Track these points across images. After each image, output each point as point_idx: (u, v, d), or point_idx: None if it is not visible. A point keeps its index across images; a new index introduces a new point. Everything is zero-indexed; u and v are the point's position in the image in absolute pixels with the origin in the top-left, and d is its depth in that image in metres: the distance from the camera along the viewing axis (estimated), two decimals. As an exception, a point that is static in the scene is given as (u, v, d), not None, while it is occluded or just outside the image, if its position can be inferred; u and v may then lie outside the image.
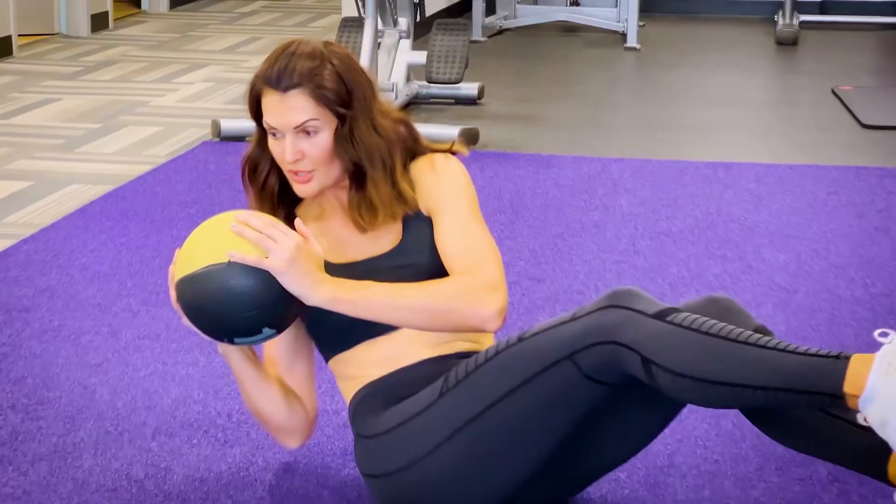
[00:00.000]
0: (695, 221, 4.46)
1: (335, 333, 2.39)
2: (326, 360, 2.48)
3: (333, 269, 2.32)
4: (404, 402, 2.31)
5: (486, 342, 2.43)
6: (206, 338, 2.32)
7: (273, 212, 2.41)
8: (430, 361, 2.36)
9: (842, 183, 4.97)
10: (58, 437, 2.81)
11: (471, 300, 2.25)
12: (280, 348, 2.49)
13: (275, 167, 2.41)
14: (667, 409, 2.34)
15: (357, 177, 2.36)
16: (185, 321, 2.31)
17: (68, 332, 3.42)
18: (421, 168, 2.42)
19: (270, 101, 2.31)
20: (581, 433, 2.29)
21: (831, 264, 4.03)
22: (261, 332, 2.26)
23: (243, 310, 2.22)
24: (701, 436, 2.82)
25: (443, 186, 2.39)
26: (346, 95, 2.31)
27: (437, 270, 2.35)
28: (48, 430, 2.84)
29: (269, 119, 2.32)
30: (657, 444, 2.69)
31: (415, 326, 2.30)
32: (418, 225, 2.38)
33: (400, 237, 2.38)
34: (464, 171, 2.43)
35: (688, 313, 2.17)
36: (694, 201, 4.71)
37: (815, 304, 3.68)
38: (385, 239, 2.39)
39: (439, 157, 2.43)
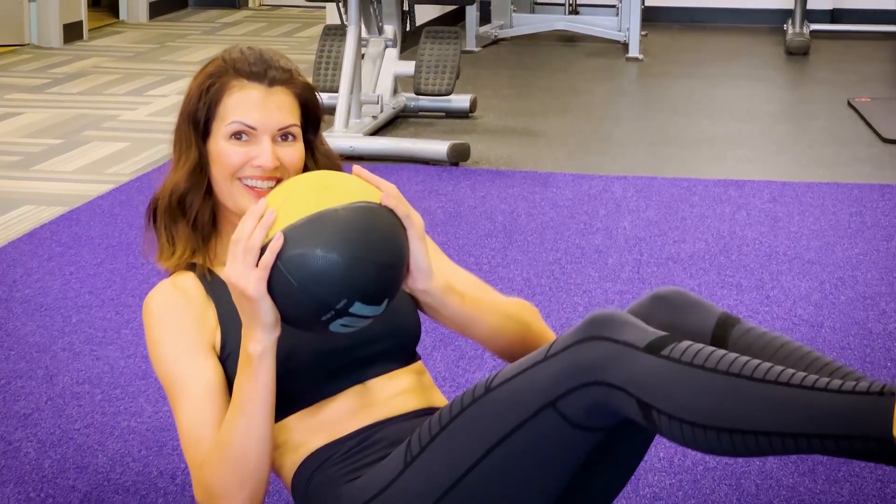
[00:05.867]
0: (706, 245, 4.26)
1: (290, 393, 2.09)
2: None
3: None
4: (364, 478, 2.03)
5: (437, 400, 2.20)
6: (316, 300, 1.89)
7: (196, 252, 2.16)
8: (378, 425, 2.10)
9: (865, 202, 4.80)
10: (-32, 506, 2.60)
11: (537, 315, 2.25)
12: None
13: (207, 197, 2.14)
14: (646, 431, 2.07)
15: None
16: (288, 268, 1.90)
17: (-3, 375, 3.20)
18: None
19: (250, 95, 2.09)
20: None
21: (859, 294, 3.80)
22: (381, 304, 1.95)
23: (392, 258, 1.95)
24: (720, 500, 2.59)
25: None
26: (315, 110, 2.17)
27: None
28: (-42, 497, 2.63)
29: (244, 116, 2.08)
30: (670, 512, 2.53)
31: (500, 337, 2.18)
32: None
33: None
34: None
35: (687, 343, 1.89)
36: (704, 223, 4.52)
37: (844, 341, 3.45)
38: None
39: None
